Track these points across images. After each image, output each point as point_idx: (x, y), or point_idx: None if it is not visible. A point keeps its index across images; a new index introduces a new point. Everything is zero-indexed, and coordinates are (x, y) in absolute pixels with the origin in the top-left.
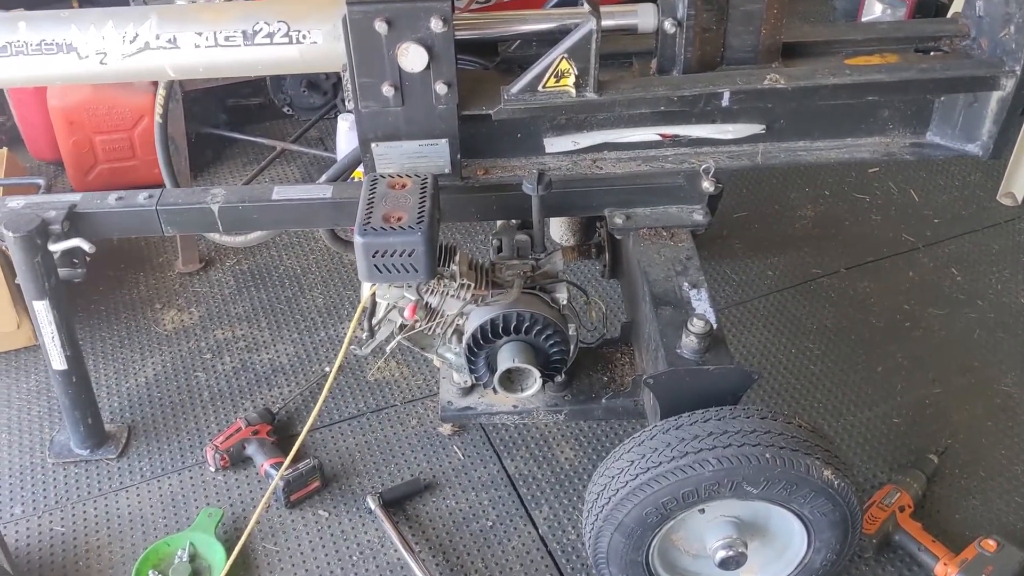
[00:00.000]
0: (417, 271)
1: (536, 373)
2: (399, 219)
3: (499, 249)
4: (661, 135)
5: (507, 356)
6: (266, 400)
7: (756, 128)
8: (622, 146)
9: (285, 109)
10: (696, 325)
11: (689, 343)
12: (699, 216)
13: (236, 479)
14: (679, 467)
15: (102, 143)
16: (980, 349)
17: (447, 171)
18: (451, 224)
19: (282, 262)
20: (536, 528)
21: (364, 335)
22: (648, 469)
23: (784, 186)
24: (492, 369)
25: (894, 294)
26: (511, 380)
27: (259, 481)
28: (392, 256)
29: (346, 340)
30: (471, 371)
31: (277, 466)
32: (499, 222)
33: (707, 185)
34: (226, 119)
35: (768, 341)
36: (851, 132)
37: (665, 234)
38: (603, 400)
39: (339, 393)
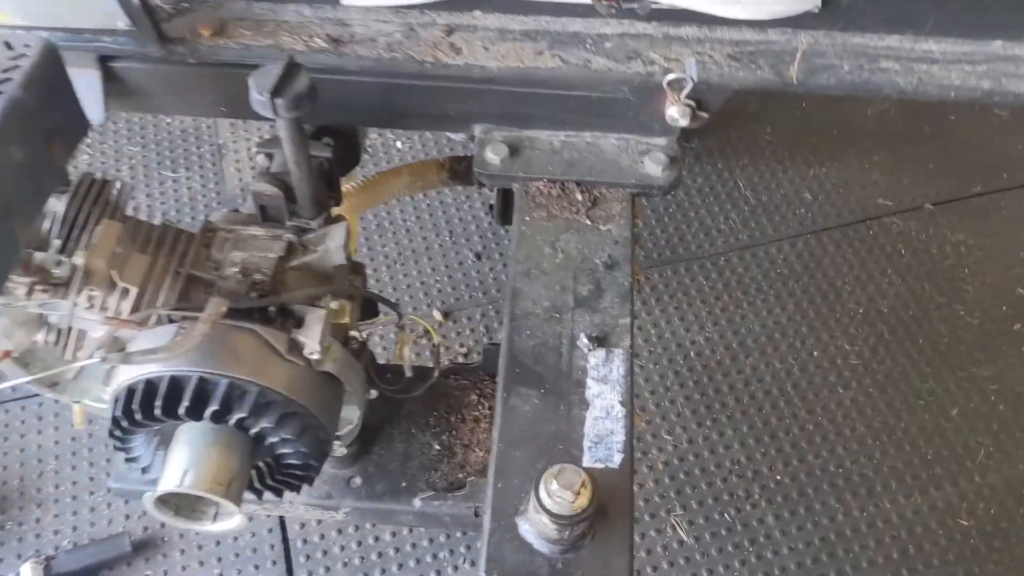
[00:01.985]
0: None
1: (229, 507)
2: None
3: (266, 173)
4: None
5: (178, 463)
6: None
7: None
8: (510, 6)
9: None
10: (559, 496)
11: (540, 524)
12: (655, 165)
13: None
14: None
15: None
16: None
17: (123, 27)
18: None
19: None
20: None
21: None
22: None
23: None
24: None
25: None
26: (194, 499)
27: None
28: None
29: None
30: (125, 456)
31: None
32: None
33: (674, 112)
34: None
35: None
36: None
37: (581, 198)
38: (416, 500)
39: None
